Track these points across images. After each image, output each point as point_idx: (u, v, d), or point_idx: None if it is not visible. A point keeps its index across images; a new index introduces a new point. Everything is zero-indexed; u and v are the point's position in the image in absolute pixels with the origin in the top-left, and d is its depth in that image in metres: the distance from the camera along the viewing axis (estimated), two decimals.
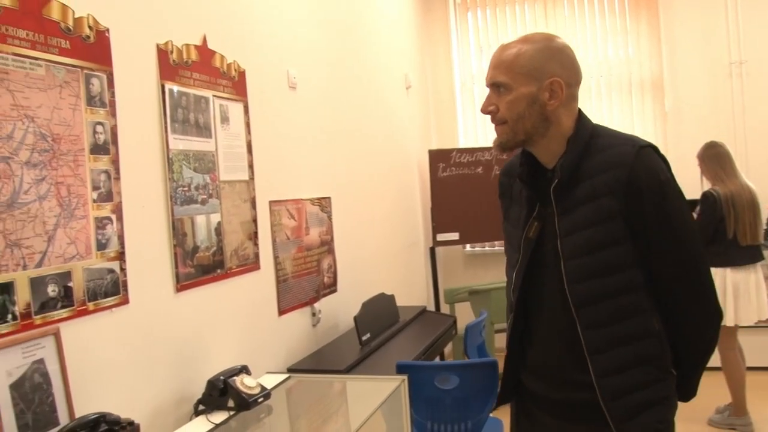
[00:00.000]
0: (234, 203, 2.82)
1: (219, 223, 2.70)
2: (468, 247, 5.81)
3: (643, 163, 1.49)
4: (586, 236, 1.51)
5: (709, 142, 4.16)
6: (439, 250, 5.51)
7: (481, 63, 5.88)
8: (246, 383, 2.43)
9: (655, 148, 1.55)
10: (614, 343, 1.51)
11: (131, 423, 1.89)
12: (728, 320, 3.91)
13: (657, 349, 1.54)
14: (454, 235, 5.11)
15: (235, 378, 2.42)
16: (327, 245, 3.69)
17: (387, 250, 4.66)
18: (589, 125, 1.62)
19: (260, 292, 3.00)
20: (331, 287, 3.69)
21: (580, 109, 1.64)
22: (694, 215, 3.99)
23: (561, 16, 5.76)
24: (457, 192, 5.13)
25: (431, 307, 5.35)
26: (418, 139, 5.51)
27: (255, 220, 2.97)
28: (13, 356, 1.77)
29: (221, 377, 2.40)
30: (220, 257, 2.70)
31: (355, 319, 3.32)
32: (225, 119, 2.79)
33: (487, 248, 5.83)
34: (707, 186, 4.12)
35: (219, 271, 2.68)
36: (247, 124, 2.96)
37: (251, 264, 2.93)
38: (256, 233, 2.98)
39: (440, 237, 5.06)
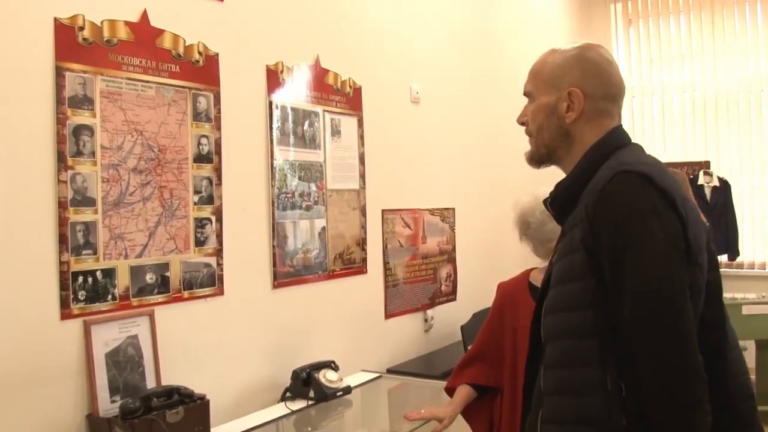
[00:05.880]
0: (341, 210, 3.04)
1: (324, 228, 2.94)
2: None
3: (612, 188, 1.28)
4: (557, 268, 1.40)
5: None
6: None
7: (641, 75, 5.62)
8: (328, 377, 2.64)
9: (644, 175, 1.28)
10: (557, 389, 1.35)
11: (202, 398, 2.17)
12: None
13: (600, 413, 1.26)
14: None
15: (318, 371, 2.63)
16: (446, 254, 3.79)
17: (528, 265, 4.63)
18: (610, 146, 1.42)
19: (365, 295, 3.19)
20: (449, 295, 3.78)
21: (614, 128, 1.45)
22: None
23: (730, 26, 5.32)
24: None
25: None
26: None
27: (364, 227, 3.17)
28: (110, 330, 2.13)
29: (306, 369, 2.62)
30: (323, 260, 2.93)
31: (462, 328, 3.39)
32: (336, 132, 3.03)
33: None
34: None
35: (320, 272, 2.92)
36: (361, 137, 3.17)
37: (357, 268, 3.13)
38: (364, 239, 3.17)
39: None
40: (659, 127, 5.57)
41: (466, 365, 2.28)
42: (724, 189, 5.04)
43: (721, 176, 5.07)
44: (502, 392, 2.21)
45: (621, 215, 1.27)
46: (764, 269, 5.29)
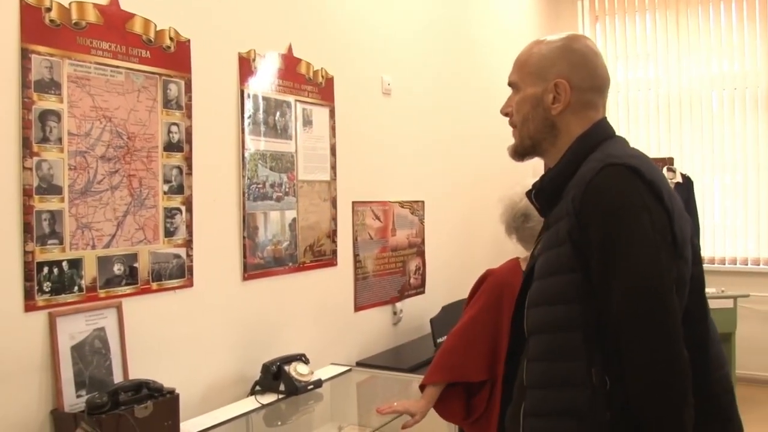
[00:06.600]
0: (312, 202, 3.01)
1: (294, 220, 2.90)
2: None
3: (599, 181, 1.27)
4: (542, 260, 1.38)
5: None
6: None
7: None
8: (299, 370, 2.61)
9: (632, 168, 1.27)
10: (540, 382, 1.35)
11: (171, 392, 2.12)
12: None
13: (586, 406, 1.26)
14: None
15: (289, 364, 2.60)
16: (416, 247, 3.78)
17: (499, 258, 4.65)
18: (595, 138, 1.41)
19: (336, 288, 3.16)
20: (418, 288, 3.78)
21: (600, 120, 1.45)
22: None
23: (694, 25, 5.41)
24: None
25: None
26: None
27: (335, 219, 3.14)
28: (76, 322, 2.06)
29: (276, 362, 2.59)
30: (293, 251, 2.89)
31: (431, 321, 3.38)
32: (308, 122, 2.99)
33: None
34: None
35: (291, 264, 2.88)
36: (333, 128, 3.13)
37: (327, 260, 3.10)
38: (334, 231, 3.14)
39: None
40: (624, 123, 5.64)
41: (449, 361, 2.20)
42: (687, 185, 5.12)
43: (684, 173, 5.15)
44: (494, 382, 2.16)
45: (609, 208, 1.26)
46: (724, 264, 5.41)
